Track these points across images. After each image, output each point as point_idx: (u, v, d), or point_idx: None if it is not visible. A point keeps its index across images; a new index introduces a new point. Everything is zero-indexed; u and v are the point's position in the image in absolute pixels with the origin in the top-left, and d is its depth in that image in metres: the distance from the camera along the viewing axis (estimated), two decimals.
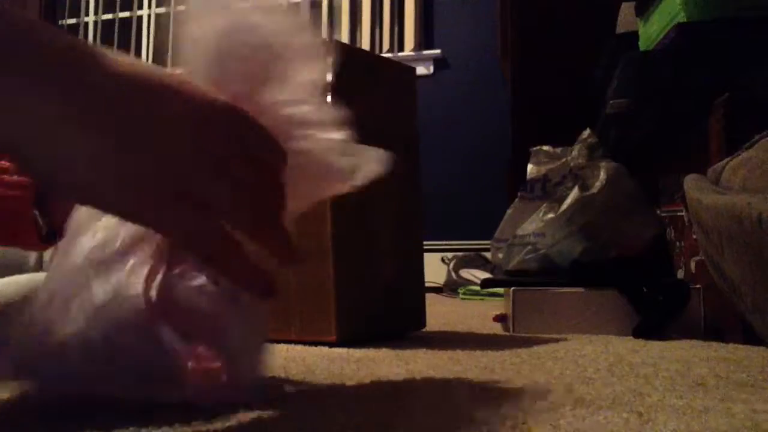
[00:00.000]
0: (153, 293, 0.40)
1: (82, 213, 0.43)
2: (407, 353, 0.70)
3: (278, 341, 0.80)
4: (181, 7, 3.41)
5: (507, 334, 0.96)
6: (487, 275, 1.79)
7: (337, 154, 0.44)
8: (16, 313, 0.52)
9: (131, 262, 0.41)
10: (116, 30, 3.49)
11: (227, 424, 0.38)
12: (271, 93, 0.43)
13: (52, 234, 0.50)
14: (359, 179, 0.45)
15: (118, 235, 0.41)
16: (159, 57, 3.42)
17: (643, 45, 1.04)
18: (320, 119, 0.45)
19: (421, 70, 2.93)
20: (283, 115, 0.44)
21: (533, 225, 1.10)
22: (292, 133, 0.44)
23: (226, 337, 0.42)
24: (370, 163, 0.45)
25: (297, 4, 3.23)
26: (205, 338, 0.41)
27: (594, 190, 1.06)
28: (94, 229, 0.42)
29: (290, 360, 0.66)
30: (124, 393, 0.40)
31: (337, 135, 0.45)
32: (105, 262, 0.41)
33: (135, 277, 0.40)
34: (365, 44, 3.07)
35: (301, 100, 0.44)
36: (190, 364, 0.39)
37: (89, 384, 0.40)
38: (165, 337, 0.39)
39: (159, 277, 0.41)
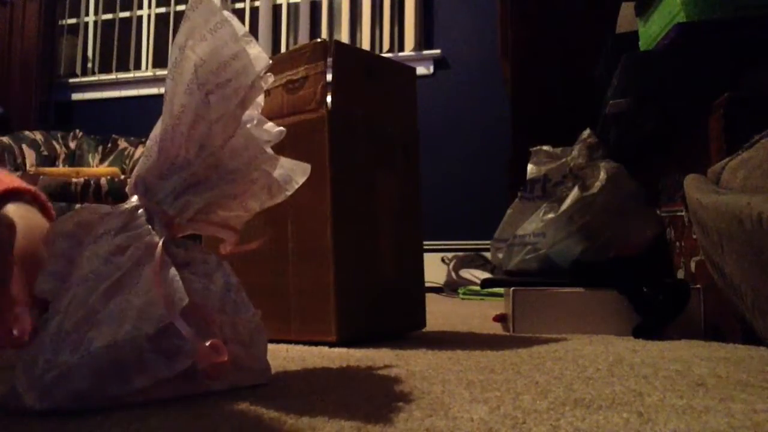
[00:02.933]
0: (180, 295, 0.44)
1: (67, 226, 0.46)
2: (407, 353, 0.70)
3: (278, 341, 0.81)
4: (181, 7, 3.41)
5: (507, 334, 0.96)
6: (487, 275, 1.79)
7: (275, 169, 0.52)
8: None
9: (146, 268, 0.44)
10: (116, 30, 3.49)
11: (228, 423, 0.38)
12: (248, 113, 0.49)
13: None
14: (291, 189, 0.53)
15: (127, 246, 0.45)
16: (159, 57, 3.42)
17: (643, 45, 1.05)
18: (264, 138, 0.51)
19: (421, 70, 2.93)
20: (254, 133, 0.50)
21: (533, 225, 1.10)
22: (263, 149, 0.50)
23: (233, 330, 0.48)
24: (297, 174, 0.53)
25: (296, 4, 3.24)
26: (214, 333, 0.46)
27: (594, 190, 1.06)
28: (94, 243, 0.45)
29: (290, 360, 0.66)
30: (160, 391, 0.44)
31: (272, 151, 0.52)
32: (121, 271, 0.44)
33: (162, 281, 0.44)
34: (365, 44, 3.07)
35: (252, 118, 0.51)
36: (202, 360, 0.44)
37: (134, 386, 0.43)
38: (186, 334, 0.43)
39: (178, 279, 0.45)
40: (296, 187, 0.53)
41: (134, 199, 0.48)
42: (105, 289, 0.43)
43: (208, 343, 0.44)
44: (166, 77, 0.47)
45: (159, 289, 0.43)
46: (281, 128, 0.52)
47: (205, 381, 0.45)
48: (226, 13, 0.46)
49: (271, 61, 0.48)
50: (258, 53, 0.47)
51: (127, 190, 0.49)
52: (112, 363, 0.42)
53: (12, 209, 0.48)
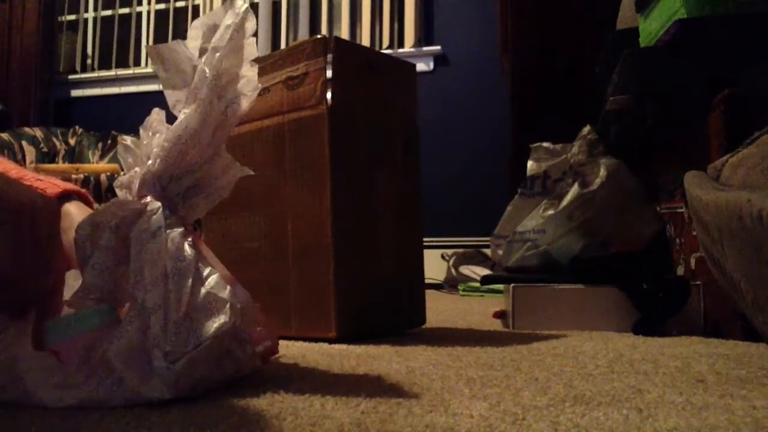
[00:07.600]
0: (240, 289, 0.49)
1: (111, 220, 0.47)
2: (407, 350, 0.70)
3: (278, 338, 0.81)
4: (180, 4, 3.40)
5: (507, 330, 0.96)
6: (486, 272, 1.79)
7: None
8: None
9: (202, 263, 0.47)
10: (116, 26, 3.48)
11: (228, 420, 0.38)
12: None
13: None
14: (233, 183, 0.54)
15: (182, 243, 0.47)
16: None
17: (643, 41, 1.04)
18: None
19: (421, 66, 2.92)
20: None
21: (533, 222, 1.10)
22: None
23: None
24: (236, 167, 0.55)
25: (296, 0, 3.23)
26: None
27: (594, 186, 1.06)
28: (153, 239, 0.47)
29: (290, 356, 0.66)
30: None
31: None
32: (191, 266, 0.47)
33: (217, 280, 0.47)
34: (365, 40, 3.06)
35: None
36: (259, 347, 0.50)
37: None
38: (258, 321, 0.50)
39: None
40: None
41: (149, 198, 0.49)
42: (191, 284, 0.46)
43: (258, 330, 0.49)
44: (184, 75, 0.50)
45: (229, 282, 0.47)
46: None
47: (256, 364, 0.50)
48: (251, 40, 0.51)
49: (259, 86, 0.52)
50: (253, 77, 0.51)
51: (136, 185, 0.50)
52: (217, 351, 0.45)
53: (75, 206, 0.52)
